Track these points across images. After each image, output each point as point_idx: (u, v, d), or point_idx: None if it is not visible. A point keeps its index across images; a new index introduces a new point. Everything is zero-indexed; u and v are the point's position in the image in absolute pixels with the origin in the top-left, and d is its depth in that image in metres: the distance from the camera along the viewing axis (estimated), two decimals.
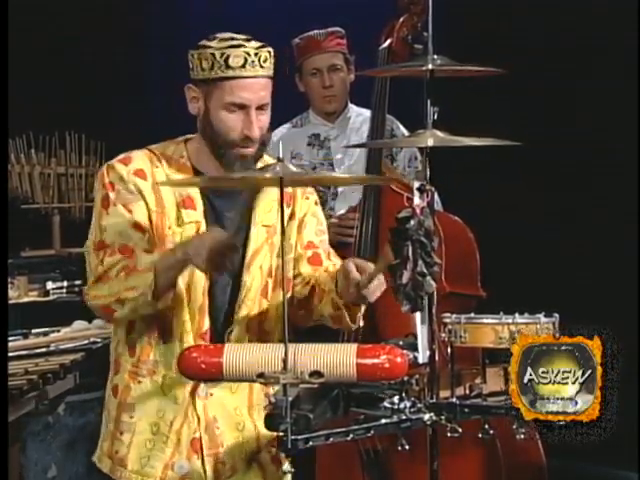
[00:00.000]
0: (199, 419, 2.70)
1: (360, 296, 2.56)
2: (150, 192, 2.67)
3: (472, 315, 2.55)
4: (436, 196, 2.57)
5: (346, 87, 4.23)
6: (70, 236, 5.35)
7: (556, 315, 2.51)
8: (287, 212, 2.78)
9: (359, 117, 4.26)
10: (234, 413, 2.74)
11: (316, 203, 2.87)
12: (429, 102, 2.55)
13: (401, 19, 4.00)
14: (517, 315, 2.49)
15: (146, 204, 2.66)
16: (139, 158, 2.71)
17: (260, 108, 2.64)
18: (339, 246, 3.24)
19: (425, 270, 2.43)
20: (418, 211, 2.42)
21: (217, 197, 2.71)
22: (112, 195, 2.67)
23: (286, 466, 2.33)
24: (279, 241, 2.73)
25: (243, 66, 2.60)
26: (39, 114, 5.26)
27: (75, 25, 5.48)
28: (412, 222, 2.42)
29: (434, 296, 2.51)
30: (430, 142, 2.50)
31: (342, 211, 4.02)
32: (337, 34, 4.20)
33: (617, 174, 4.68)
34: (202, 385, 2.68)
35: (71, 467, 4.14)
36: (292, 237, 2.79)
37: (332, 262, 2.83)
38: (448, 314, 2.55)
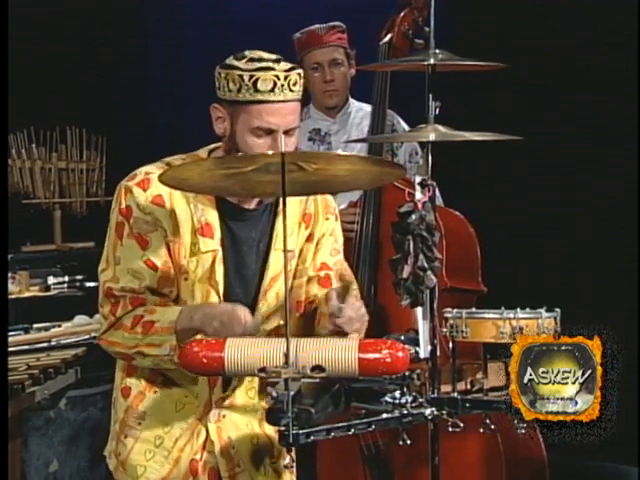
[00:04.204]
0: (213, 443, 2.67)
1: (337, 325, 2.52)
2: (168, 220, 2.60)
3: (473, 310, 2.55)
4: (437, 191, 2.57)
5: (347, 82, 4.22)
6: (71, 231, 5.35)
7: (557, 310, 2.51)
8: (305, 234, 2.74)
9: (360, 112, 4.26)
10: (247, 429, 2.71)
11: (336, 219, 2.81)
12: (431, 97, 2.55)
13: (402, 14, 4.00)
14: (519, 310, 2.49)
15: (164, 234, 2.60)
16: (157, 180, 2.58)
17: (288, 132, 2.55)
18: None
19: (426, 265, 2.43)
20: (420, 206, 2.43)
21: (236, 223, 2.66)
22: (128, 223, 2.59)
23: (287, 460, 2.33)
24: (296, 264, 2.72)
25: (272, 90, 2.51)
26: (40, 109, 5.26)
27: (76, 20, 5.47)
28: (413, 217, 2.43)
29: (435, 291, 2.51)
30: (432, 137, 2.51)
31: (343, 206, 4.01)
32: (338, 28, 4.19)
33: (618, 172, 4.67)
34: (214, 410, 2.67)
35: (72, 461, 4.14)
36: (308, 260, 2.76)
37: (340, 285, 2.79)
38: (449, 309, 2.55)
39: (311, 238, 2.76)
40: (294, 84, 2.55)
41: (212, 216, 2.63)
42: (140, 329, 2.56)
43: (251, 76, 2.52)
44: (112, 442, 2.75)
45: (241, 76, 2.53)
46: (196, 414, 2.67)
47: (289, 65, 2.56)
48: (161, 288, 2.62)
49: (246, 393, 2.71)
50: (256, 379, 2.68)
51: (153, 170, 2.62)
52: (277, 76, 2.52)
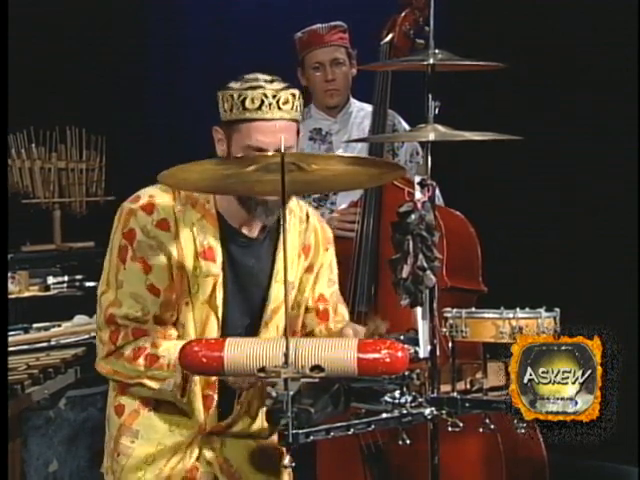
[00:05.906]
0: (207, 462, 2.69)
1: None
2: (172, 244, 2.59)
3: (473, 310, 2.55)
4: (437, 191, 2.57)
5: (348, 81, 4.22)
6: (71, 231, 5.36)
7: (557, 310, 2.50)
8: (304, 264, 2.76)
9: (361, 112, 4.26)
10: (243, 444, 2.73)
11: (333, 250, 2.85)
12: (430, 97, 2.55)
13: (403, 13, 4.00)
14: (518, 310, 2.48)
15: (167, 258, 2.59)
16: (163, 204, 2.60)
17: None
18: (340, 240, 3.24)
19: (425, 264, 2.43)
20: (419, 205, 2.43)
21: (237, 249, 2.67)
22: (131, 246, 2.58)
23: (286, 460, 2.32)
24: (295, 295, 2.74)
25: (259, 108, 2.52)
26: (40, 109, 5.26)
27: (76, 20, 5.47)
28: (413, 216, 2.42)
29: (435, 291, 2.51)
30: (431, 136, 2.50)
31: (343, 205, 4.02)
32: (339, 28, 4.19)
33: (618, 172, 4.68)
34: (208, 431, 2.68)
35: (72, 461, 4.15)
36: (307, 291, 2.78)
37: (337, 318, 2.83)
38: (449, 308, 2.55)
39: (310, 269, 2.78)
40: (284, 103, 2.55)
41: (214, 240, 2.63)
42: (143, 361, 2.57)
43: (240, 94, 2.54)
44: (107, 459, 2.74)
45: (232, 95, 2.55)
46: (190, 434, 2.68)
47: (282, 85, 2.57)
48: (163, 314, 2.61)
49: (241, 421, 2.73)
50: (253, 409, 2.72)
51: (157, 193, 2.62)
52: (265, 94, 2.53)
